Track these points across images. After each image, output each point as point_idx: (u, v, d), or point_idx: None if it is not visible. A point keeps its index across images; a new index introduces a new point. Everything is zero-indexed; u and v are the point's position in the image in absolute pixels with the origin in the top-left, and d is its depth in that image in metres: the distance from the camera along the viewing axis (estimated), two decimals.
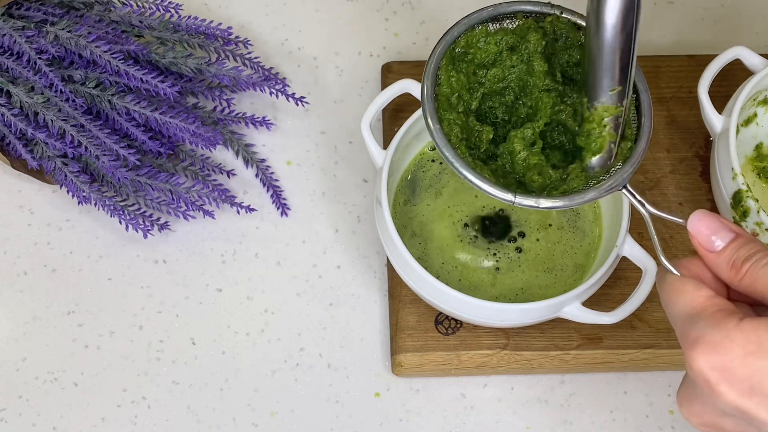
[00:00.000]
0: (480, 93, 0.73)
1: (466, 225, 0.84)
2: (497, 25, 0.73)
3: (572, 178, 0.71)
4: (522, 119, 0.73)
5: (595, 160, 0.71)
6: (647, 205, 0.67)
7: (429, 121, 0.71)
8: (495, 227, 0.84)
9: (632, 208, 0.79)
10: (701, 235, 0.61)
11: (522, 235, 0.84)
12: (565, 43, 0.73)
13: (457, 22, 0.73)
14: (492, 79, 0.73)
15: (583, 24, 0.72)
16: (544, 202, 0.69)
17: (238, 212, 0.88)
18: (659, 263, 0.64)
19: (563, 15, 0.73)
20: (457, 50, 0.73)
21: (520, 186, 0.72)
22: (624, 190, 0.69)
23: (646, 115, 0.71)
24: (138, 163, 0.84)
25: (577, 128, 0.72)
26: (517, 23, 0.73)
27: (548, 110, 0.72)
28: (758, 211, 0.80)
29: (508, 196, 0.69)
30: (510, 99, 0.74)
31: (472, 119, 0.73)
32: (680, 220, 0.64)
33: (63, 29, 0.83)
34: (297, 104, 0.92)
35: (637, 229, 0.85)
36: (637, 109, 0.72)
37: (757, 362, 0.56)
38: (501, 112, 0.74)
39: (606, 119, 0.70)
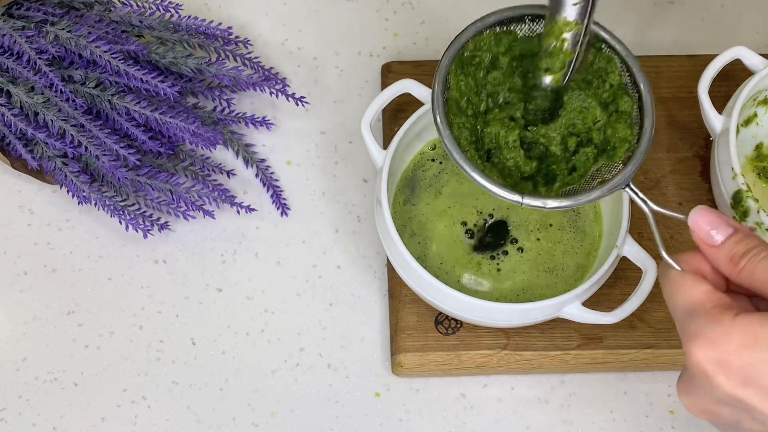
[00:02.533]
0: (485, 95, 0.74)
1: (465, 224, 0.84)
2: (505, 27, 0.74)
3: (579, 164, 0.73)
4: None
5: (548, 78, 0.72)
6: (650, 203, 0.69)
7: (439, 126, 0.72)
8: (495, 227, 0.84)
9: (632, 207, 0.79)
10: (701, 230, 0.63)
11: (521, 236, 0.84)
12: None
13: (465, 29, 0.73)
14: (493, 81, 0.74)
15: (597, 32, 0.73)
16: (551, 203, 0.71)
17: (238, 212, 0.88)
18: (661, 258, 0.65)
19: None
20: (465, 54, 0.73)
21: (527, 181, 0.73)
22: (627, 189, 0.70)
23: (648, 114, 0.72)
24: (138, 163, 0.84)
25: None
26: (526, 27, 0.73)
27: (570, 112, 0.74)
28: (758, 211, 0.80)
29: (516, 197, 0.70)
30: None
31: (480, 121, 0.74)
32: (682, 216, 0.66)
33: (63, 29, 0.83)
34: (297, 104, 0.92)
35: (637, 229, 0.85)
36: (640, 109, 0.73)
37: (751, 355, 0.59)
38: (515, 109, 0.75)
39: (565, 34, 0.70)
